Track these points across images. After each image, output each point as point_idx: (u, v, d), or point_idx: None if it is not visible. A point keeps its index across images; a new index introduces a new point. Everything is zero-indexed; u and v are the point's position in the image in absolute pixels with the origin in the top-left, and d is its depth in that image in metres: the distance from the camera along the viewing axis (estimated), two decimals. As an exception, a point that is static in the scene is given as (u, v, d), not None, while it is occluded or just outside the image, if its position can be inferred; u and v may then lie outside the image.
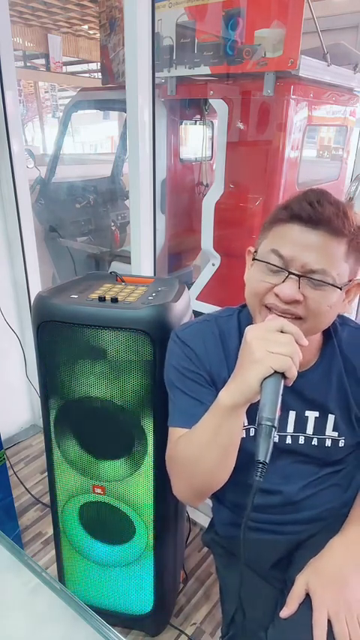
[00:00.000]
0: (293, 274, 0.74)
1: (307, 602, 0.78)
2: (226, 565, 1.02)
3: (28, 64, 11.92)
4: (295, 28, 1.98)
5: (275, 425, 0.65)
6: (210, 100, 2.56)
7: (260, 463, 0.64)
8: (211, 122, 3.08)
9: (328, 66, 2.32)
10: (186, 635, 1.36)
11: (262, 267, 0.77)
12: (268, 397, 0.67)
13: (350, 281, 0.78)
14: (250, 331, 0.71)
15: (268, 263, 0.76)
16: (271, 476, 0.88)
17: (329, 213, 0.73)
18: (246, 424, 0.89)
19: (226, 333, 0.89)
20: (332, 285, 0.74)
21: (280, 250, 0.75)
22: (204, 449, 0.77)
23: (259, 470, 0.65)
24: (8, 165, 1.80)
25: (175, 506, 1.23)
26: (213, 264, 2.61)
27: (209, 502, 1.08)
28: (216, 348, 0.88)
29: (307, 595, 0.78)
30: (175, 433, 0.86)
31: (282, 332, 0.70)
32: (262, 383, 0.67)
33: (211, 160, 3.24)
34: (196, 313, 1.15)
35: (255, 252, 0.81)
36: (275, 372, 0.67)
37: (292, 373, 0.67)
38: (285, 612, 0.78)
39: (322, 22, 2.23)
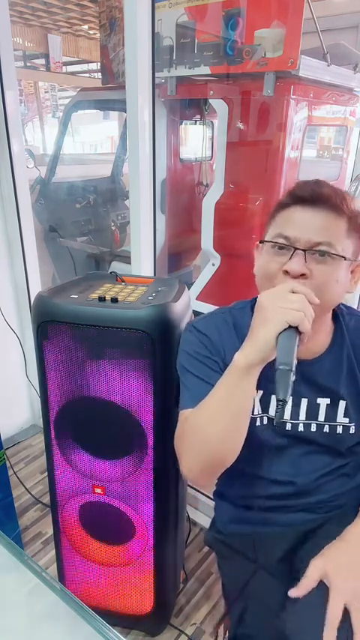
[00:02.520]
0: (299, 249, 0.78)
1: (321, 587, 0.76)
2: (230, 564, 1.02)
3: (28, 64, 11.92)
4: (295, 28, 1.98)
5: (292, 369, 0.68)
6: (210, 100, 2.56)
7: (280, 401, 0.67)
8: (211, 122, 3.08)
9: (328, 66, 2.32)
10: (186, 635, 1.36)
11: (270, 250, 0.82)
12: (285, 347, 0.70)
13: (352, 260, 0.82)
14: (262, 295, 0.75)
15: (274, 242, 0.80)
16: (282, 466, 0.89)
17: (328, 192, 0.79)
18: (256, 413, 0.90)
19: (240, 323, 0.91)
20: (337, 255, 0.77)
21: (285, 232, 0.80)
22: (216, 413, 0.78)
23: (280, 407, 0.67)
24: (8, 166, 1.80)
25: (175, 506, 1.23)
26: (213, 264, 2.61)
27: (209, 502, 1.08)
28: (230, 336, 0.90)
29: (320, 581, 0.77)
30: (186, 415, 0.86)
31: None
32: (277, 337, 0.70)
33: (211, 159, 3.24)
34: (196, 313, 1.15)
35: (261, 242, 0.85)
36: (289, 327, 0.70)
37: (306, 327, 0.70)
38: (295, 592, 0.76)
39: (322, 22, 2.23)
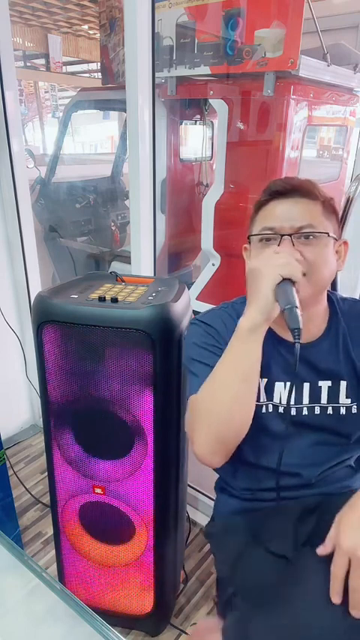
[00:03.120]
0: (285, 234, 0.84)
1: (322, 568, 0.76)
2: (224, 548, 1.01)
3: (28, 64, 11.91)
4: (295, 28, 1.98)
5: (297, 305, 0.75)
6: (210, 100, 2.56)
7: (295, 329, 0.74)
8: (211, 122, 3.08)
9: (328, 66, 2.32)
10: (186, 634, 1.36)
11: (258, 245, 0.88)
12: (284, 293, 0.76)
13: (335, 240, 0.88)
14: (251, 262, 0.82)
15: (261, 234, 0.87)
16: (288, 457, 0.88)
17: (299, 182, 0.87)
18: (261, 400, 0.91)
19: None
20: (322, 232, 0.84)
21: (269, 224, 0.86)
22: (224, 379, 0.81)
23: (297, 334, 0.74)
24: (8, 165, 1.80)
25: (175, 506, 1.23)
26: (213, 264, 2.61)
27: (209, 502, 1.08)
28: (234, 328, 0.91)
29: (321, 562, 0.76)
30: (195, 397, 0.87)
31: None
32: (275, 291, 0.76)
33: (211, 159, 3.24)
34: (196, 313, 1.15)
35: (247, 244, 0.93)
36: (283, 279, 0.76)
37: (298, 276, 0.77)
38: (321, 550, 0.77)
39: (322, 22, 2.23)
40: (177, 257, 3.20)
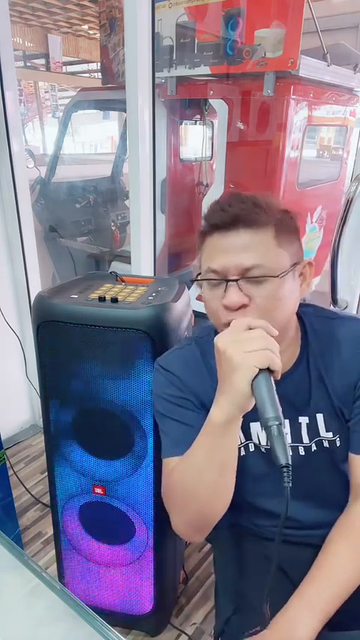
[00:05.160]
0: (229, 280, 0.73)
1: None
2: (225, 560, 1.01)
3: (28, 64, 11.92)
4: (295, 28, 1.98)
5: (282, 421, 0.63)
6: (210, 100, 2.56)
7: (284, 467, 0.62)
8: (211, 122, 3.08)
9: (328, 66, 2.32)
10: (186, 634, 1.36)
11: (206, 286, 0.78)
12: (265, 396, 0.64)
13: (295, 265, 0.76)
14: (219, 339, 0.69)
15: (206, 279, 0.76)
16: (280, 501, 0.82)
17: (240, 210, 0.73)
18: (242, 441, 0.87)
19: (208, 352, 0.86)
20: (271, 276, 0.72)
21: (212, 265, 0.75)
22: (201, 471, 0.74)
23: (286, 474, 0.62)
24: (8, 165, 1.80)
25: (175, 506, 1.23)
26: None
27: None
28: (200, 370, 0.87)
29: None
30: (170, 464, 0.83)
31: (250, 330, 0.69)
32: (251, 386, 0.65)
33: (211, 159, 3.24)
34: (196, 313, 1.15)
35: (199, 273, 0.80)
36: (260, 370, 0.65)
37: (277, 364, 0.66)
38: None
39: (322, 22, 2.24)
40: (177, 257, 3.20)
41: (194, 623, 1.39)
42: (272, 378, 0.66)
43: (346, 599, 0.74)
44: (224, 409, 0.69)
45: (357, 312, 1.58)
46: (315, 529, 0.87)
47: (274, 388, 0.66)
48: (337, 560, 0.77)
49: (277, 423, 0.63)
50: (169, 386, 0.86)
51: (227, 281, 0.73)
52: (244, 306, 0.73)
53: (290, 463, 0.62)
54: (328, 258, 1.33)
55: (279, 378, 0.67)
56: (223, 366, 0.68)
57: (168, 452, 0.84)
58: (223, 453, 0.73)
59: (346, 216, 1.25)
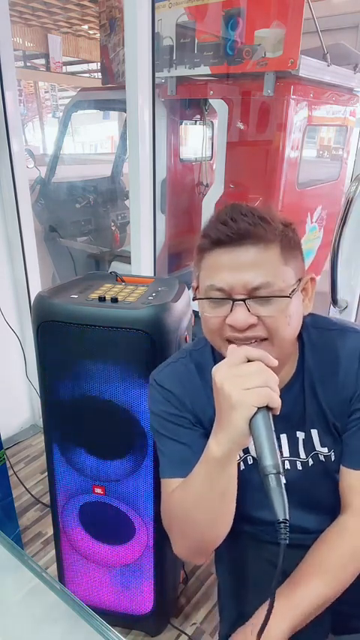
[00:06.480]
0: (237, 300, 0.70)
1: None
2: (226, 564, 1.02)
3: (28, 64, 11.92)
4: (295, 28, 1.98)
5: (281, 471, 0.61)
6: (210, 100, 2.56)
7: (282, 522, 0.58)
8: (211, 122, 3.08)
9: (328, 66, 2.32)
10: (186, 634, 1.36)
11: (207, 303, 0.74)
12: (263, 439, 0.62)
13: (299, 281, 0.74)
14: (217, 373, 0.67)
15: (210, 298, 0.73)
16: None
17: (246, 226, 0.69)
18: (241, 455, 0.86)
19: (203, 365, 0.85)
20: (280, 295, 0.70)
21: (217, 284, 0.71)
22: (201, 499, 0.73)
23: (282, 529, 0.58)
24: (8, 165, 1.80)
25: (175, 506, 1.23)
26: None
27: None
28: (195, 385, 0.85)
29: None
30: (169, 485, 0.81)
31: (248, 361, 0.66)
32: (250, 424, 0.63)
33: (211, 159, 3.25)
34: (197, 313, 1.14)
35: (197, 288, 0.77)
36: (259, 408, 0.63)
37: (276, 402, 0.63)
38: None
39: (322, 22, 2.24)
40: (177, 257, 3.20)
41: (194, 623, 1.39)
42: (271, 415, 0.64)
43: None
44: (222, 445, 0.67)
45: (357, 313, 1.59)
46: (318, 533, 0.86)
47: (273, 427, 0.63)
48: (310, 584, 0.76)
49: (276, 472, 0.60)
50: (164, 403, 0.85)
51: (234, 300, 0.70)
52: (252, 326, 0.70)
53: (288, 518, 0.58)
54: (328, 258, 1.33)
55: (278, 413, 0.65)
56: (221, 403, 0.66)
57: (166, 472, 0.83)
58: (223, 483, 0.71)
59: (346, 217, 1.25)
